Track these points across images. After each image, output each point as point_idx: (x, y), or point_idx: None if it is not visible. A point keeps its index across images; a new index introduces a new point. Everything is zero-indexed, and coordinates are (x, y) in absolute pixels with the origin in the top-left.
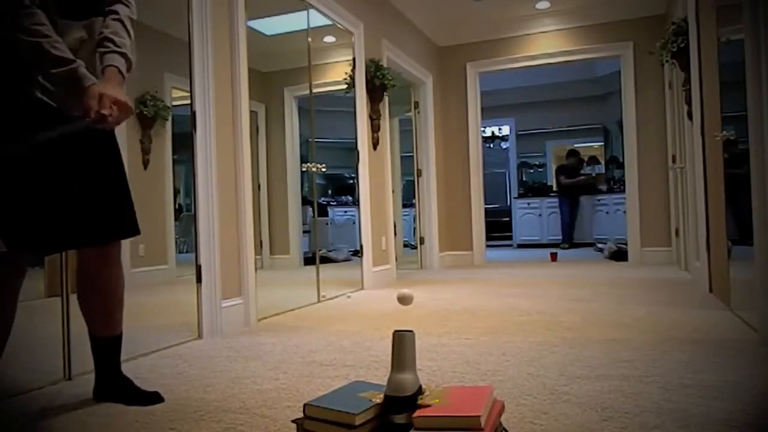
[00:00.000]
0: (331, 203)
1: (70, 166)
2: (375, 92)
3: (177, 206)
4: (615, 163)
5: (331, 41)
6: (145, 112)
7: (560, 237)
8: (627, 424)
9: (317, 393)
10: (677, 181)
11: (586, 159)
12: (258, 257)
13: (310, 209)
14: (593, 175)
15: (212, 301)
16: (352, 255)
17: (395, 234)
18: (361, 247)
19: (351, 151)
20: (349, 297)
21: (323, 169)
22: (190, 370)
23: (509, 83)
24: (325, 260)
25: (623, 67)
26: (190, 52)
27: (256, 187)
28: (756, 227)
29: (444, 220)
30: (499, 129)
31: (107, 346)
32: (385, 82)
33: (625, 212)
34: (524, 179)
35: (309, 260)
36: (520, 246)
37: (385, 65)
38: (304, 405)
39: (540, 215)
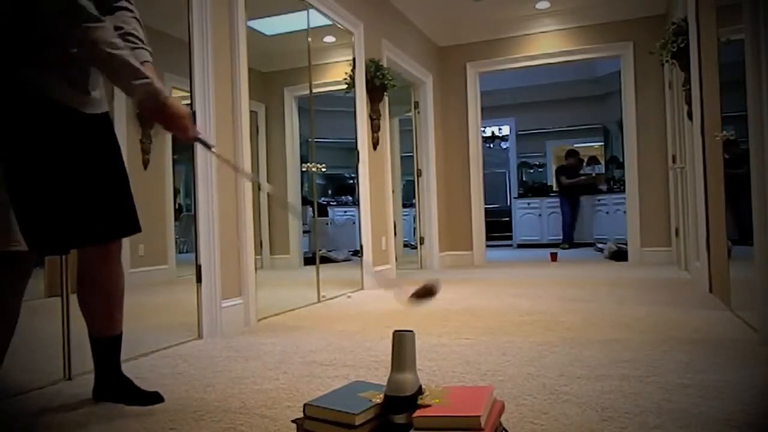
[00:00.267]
0: (331, 203)
1: (73, 164)
2: (375, 92)
3: (177, 206)
4: (615, 163)
5: (331, 41)
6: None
7: (560, 237)
8: (627, 424)
9: (317, 393)
10: (677, 181)
11: (585, 159)
12: (258, 257)
13: (310, 209)
14: (593, 175)
15: (212, 301)
16: (352, 255)
17: (395, 234)
18: (361, 247)
19: (351, 151)
20: (349, 297)
21: (323, 169)
22: (190, 370)
23: (509, 83)
24: (325, 260)
25: (623, 67)
26: (190, 52)
27: (256, 187)
28: (756, 227)
29: (444, 220)
30: (499, 129)
31: (107, 346)
32: (385, 82)
33: (625, 212)
34: (524, 179)
35: (309, 260)
36: (520, 246)
37: (385, 65)
38: (304, 405)
39: (540, 215)
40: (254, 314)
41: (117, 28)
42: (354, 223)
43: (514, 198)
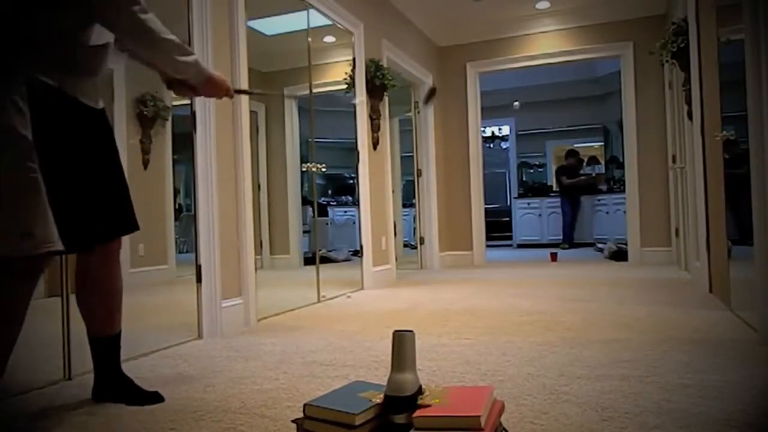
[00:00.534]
0: (331, 203)
1: (79, 159)
2: (375, 92)
3: (177, 206)
4: (615, 163)
5: (331, 41)
6: (145, 112)
7: (560, 237)
8: (627, 424)
9: (317, 393)
10: (677, 181)
11: (585, 159)
12: (258, 257)
13: (310, 209)
14: (593, 175)
15: (212, 301)
16: (352, 255)
17: (395, 234)
18: (361, 247)
19: (351, 151)
20: (349, 297)
21: (323, 169)
22: (190, 370)
23: (509, 83)
24: (325, 260)
25: (623, 67)
26: None
27: (256, 187)
28: (756, 227)
29: (444, 220)
30: (499, 129)
31: (107, 346)
32: (385, 82)
33: (625, 212)
34: (524, 179)
35: (309, 260)
36: (520, 246)
37: (385, 65)
38: (304, 405)
39: (540, 215)
40: (254, 314)
41: None
42: (354, 223)
43: (514, 198)
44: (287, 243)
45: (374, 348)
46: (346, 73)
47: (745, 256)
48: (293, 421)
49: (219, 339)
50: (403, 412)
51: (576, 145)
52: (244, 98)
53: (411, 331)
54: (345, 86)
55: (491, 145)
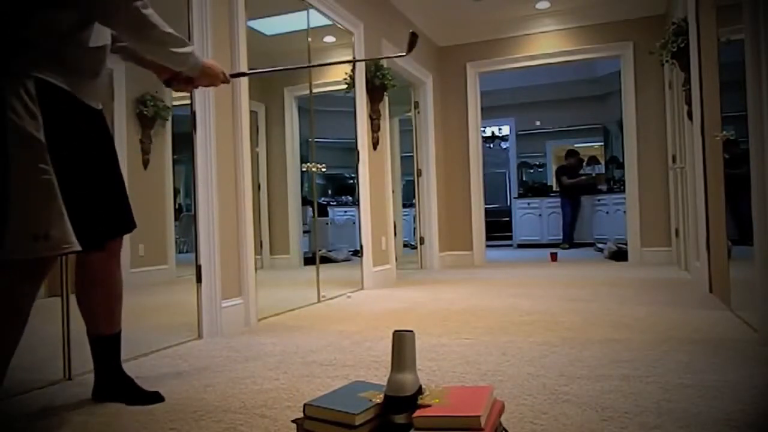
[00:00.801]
0: (331, 203)
1: (76, 161)
2: (375, 92)
3: (177, 206)
4: (615, 163)
5: (331, 41)
6: (145, 112)
7: (560, 237)
8: (627, 424)
9: (317, 393)
10: (677, 181)
11: (585, 159)
12: (258, 257)
13: (310, 209)
14: (593, 175)
15: (212, 301)
16: (352, 255)
17: (395, 234)
18: (361, 247)
19: (351, 151)
20: (349, 297)
21: (323, 169)
22: (190, 370)
23: (509, 83)
24: (325, 260)
25: (623, 67)
26: None
27: (256, 187)
28: (756, 227)
29: (444, 220)
30: (499, 129)
31: (108, 345)
32: (385, 82)
33: (625, 212)
34: (524, 179)
35: (309, 260)
36: (520, 246)
37: (385, 65)
38: (304, 405)
39: (540, 215)
40: (254, 314)
41: None
42: (354, 223)
43: (514, 198)
44: (287, 243)
45: (374, 348)
46: (346, 73)
47: (745, 256)
48: (293, 421)
49: (219, 339)
50: (403, 412)
51: (576, 145)
52: (245, 99)
53: (411, 331)
54: (345, 86)
55: (491, 145)
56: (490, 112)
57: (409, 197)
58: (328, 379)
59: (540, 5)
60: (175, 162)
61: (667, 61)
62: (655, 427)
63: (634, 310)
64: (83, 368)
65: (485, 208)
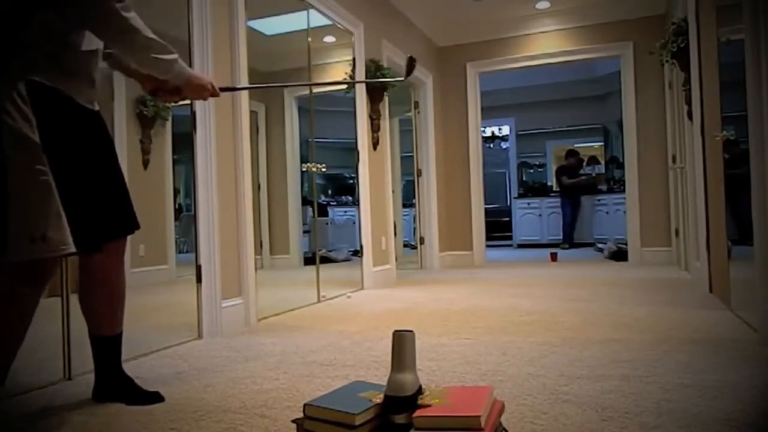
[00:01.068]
0: (331, 203)
1: (73, 162)
2: (375, 92)
3: (177, 206)
4: (615, 163)
5: (331, 41)
6: (145, 112)
7: (560, 237)
8: (627, 424)
9: (317, 393)
10: (677, 181)
11: (585, 159)
12: (258, 257)
13: (310, 209)
14: (593, 175)
15: (212, 301)
16: (352, 255)
17: (395, 234)
18: (361, 247)
19: (351, 151)
20: (349, 297)
21: (323, 169)
22: (190, 370)
23: (509, 83)
24: (325, 260)
25: (623, 67)
26: (190, 52)
27: (256, 187)
28: (756, 227)
29: (444, 220)
30: (499, 129)
31: (109, 345)
32: None
33: (625, 212)
34: (524, 179)
35: (309, 260)
36: (520, 246)
37: (385, 65)
38: (304, 405)
39: (540, 215)
40: (254, 314)
41: None
42: (354, 223)
43: (514, 198)
44: (287, 243)
45: (374, 348)
46: (346, 73)
47: (745, 256)
48: (293, 421)
49: (219, 339)
50: (403, 412)
51: (576, 145)
52: (245, 99)
53: (411, 331)
54: (345, 86)
55: (491, 145)
56: (490, 112)
57: (409, 197)
58: (328, 379)
59: (540, 5)
60: (175, 162)
61: (667, 61)
62: (655, 427)
63: (634, 310)
64: (83, 368)
65: (485, 208)
